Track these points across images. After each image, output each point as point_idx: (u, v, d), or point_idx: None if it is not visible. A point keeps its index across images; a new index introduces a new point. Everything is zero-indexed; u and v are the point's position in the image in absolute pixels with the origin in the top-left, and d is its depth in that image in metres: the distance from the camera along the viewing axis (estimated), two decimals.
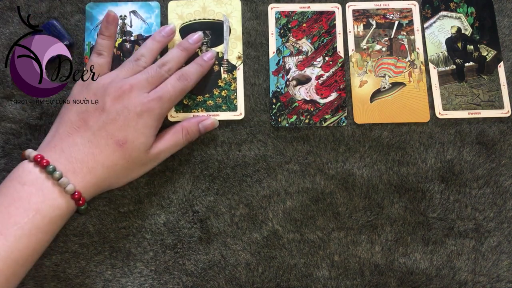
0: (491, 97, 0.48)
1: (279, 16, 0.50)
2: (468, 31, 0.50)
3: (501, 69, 0.48)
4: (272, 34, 0.49)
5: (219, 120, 0.47)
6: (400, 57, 0.49)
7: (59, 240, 0.45)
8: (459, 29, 0.50)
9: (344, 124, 0.47)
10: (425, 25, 0.50)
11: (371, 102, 0.48)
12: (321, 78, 0.48)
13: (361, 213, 0.45)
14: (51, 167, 0.36)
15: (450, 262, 0.44)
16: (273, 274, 0.44)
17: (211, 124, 0.45)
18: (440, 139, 0.47)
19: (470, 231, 0.45)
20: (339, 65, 0.49)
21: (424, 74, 0.48)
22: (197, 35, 0.47)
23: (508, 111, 0.47)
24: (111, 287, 0.43)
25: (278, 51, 0.49)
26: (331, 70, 0.49)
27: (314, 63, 0.49)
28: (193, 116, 0.46)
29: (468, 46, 0.49)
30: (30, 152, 0.38)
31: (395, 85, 0.48)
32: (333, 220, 0.45)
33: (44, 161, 0.37)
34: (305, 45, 0.49)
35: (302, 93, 0.48)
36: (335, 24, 0.50)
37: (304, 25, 0.50)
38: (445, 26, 0.50)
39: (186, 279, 0.44)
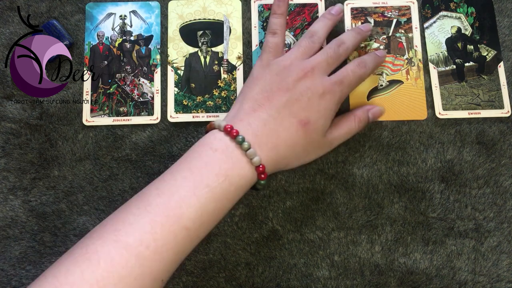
0: (491, 97, 0.48)
1: (262, 9, 0.50)
2: (468, 31, 0.50)
3: (501, 69, 0.48)
4: (255, 27, 0.49)
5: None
6: (398, 55, 0.49)
7: (58, 240, 0.45)
8: (459, 29, 0.50)
9: None
10: (425, 25, 0.50)
11: (368, 99, 0.48)
12: None
13: (361, 213, 0.45)
14: (240, 137, 0.37)
15: (450, 262, 0.44)
16: (273, 274, 0.44)
17: (379, 111, 0.46)
18: (440, 139, 0.47)
19: (470, 231, 0.45)
20: None
21: (422, 72, 0.48)
22: (368, 24, 0.48)
23: (508, 111, 0.47)
24: None
25: (261, 44, 0.49)
26: None
27: None
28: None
29: (468, 46, 0.49)
30: (221, 122, 0.39)
31: (393, 83, 0.48)
32: (333, 220, 0.45)
33: (234, 131, 0.38)
34: (288, 37, 0.49)
35: None
36: (318, 16, 0.50)
37: (287, 17, 0.50)
38: (445, 26, 0.50)
39: (186, 279, 0.44)
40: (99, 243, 0.33)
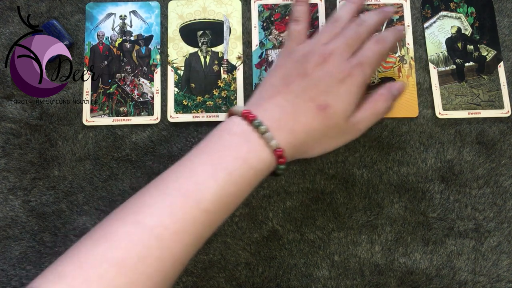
0: (491, 97, 0.48)
1: (262, 9, 0.50)
2: (468, 31, 0.50)
3: (501, 69, 0.48)
4: (255, 27, 0.49)
5: (220, 122, 0.47)
6: (390, 53, 0.49)
7: (58, 240, 0.45)
8: (459, 29, 0.50)
9: None
10: (425, 25, 0.50)
11: None
12: None
13: (361, 213, 0.45)
14: (257, 121, 0.38)
15: (450, 262, 0.44)
16: (273, 274, 0.44)
17: (402, 85, 0.44)
18: (440, 139, 0.47)
19: (470, 231, 0.45)
20: None
21: (413, 70, 0.48)
22: (391, 7, 0.47)
23: (508, 111, 0.47)
24: None
25: (261, 44, 0.49)
26: None
27: None
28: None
29: (468, 46, 0.49)
30: (239, 108, 0.39)
31: (384, 80, 0.48)
32: (333, 220, 0.45)
33: (251, 116, 0.38)
34: None
35: None
36: (318, 16, 0.50)
37: (287, 17, 0.50)
38: (445, 26, 0.50)
39: (186, 279, 0.44)
40: (119, 224, 0.34)
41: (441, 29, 0.50)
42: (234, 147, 0.37)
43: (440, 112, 0.47)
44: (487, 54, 0.49)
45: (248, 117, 0.38)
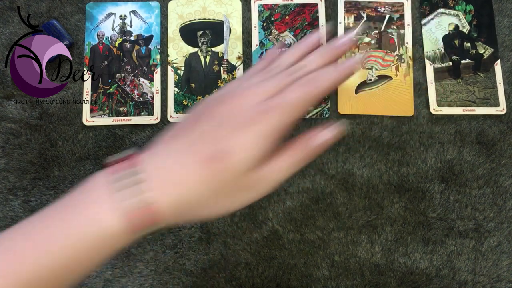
0: (486, 95, 0.48)
1: (262, 9, 0.50)
2: (465, 28, 0.50)
3: (497, 67, 0.48)
4: (255, 27, 0.49)
5: None
6: (388, 51, 0.49)
7: None
8: (456, 27, 0.50)
9: (327, 115, 0.47)
10: (423, 21, 0.50)
11: (356, 93, 0.48)
12: None
13: (361, 213, 0.45)
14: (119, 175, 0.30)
15: (450, 262, 0.44)
16: (273, 274, 0.44)
17: (327, 135, 0.33)
18: (440, 139, 0.47)
19: (470, 231, 0.45)
20: None
21: (411, 69, 0.49)
22: (348, 37, 0.36)
23: (504, 109, 0.47)
24: (111, 287, 0.43)
25: (261, 44, 0.49)
26: None
27: None
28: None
29: (465, 43, 0.49)
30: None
31: (381, 78, 0.48)
32: (333, 220, 0.45)
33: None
34: (288, 37, 0.49)
35: None
36: (318, 16, 0.50)
37: (287, 17, 0.50)
38: (443, 23, 0.50)
39: (186, 279, 0.44)
40: None
41: (439, 26, 0.50)
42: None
43: (434, 108, 0.47)
44: (484, 52, 0.49)
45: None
